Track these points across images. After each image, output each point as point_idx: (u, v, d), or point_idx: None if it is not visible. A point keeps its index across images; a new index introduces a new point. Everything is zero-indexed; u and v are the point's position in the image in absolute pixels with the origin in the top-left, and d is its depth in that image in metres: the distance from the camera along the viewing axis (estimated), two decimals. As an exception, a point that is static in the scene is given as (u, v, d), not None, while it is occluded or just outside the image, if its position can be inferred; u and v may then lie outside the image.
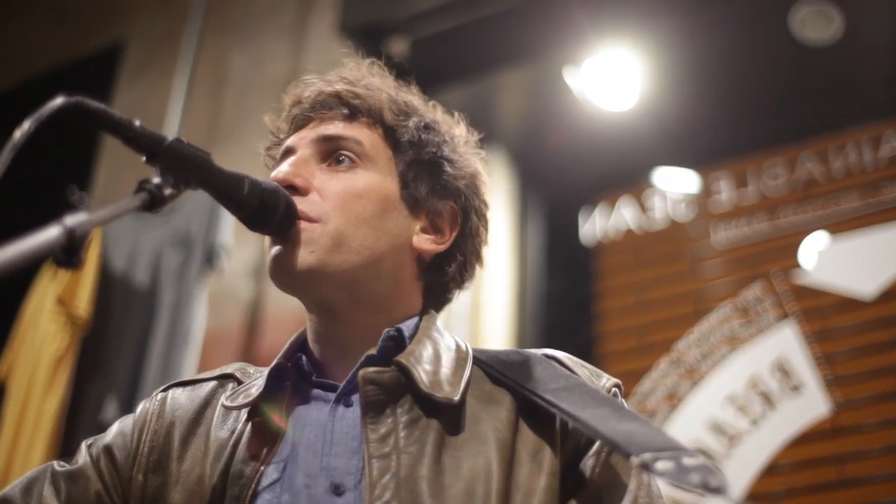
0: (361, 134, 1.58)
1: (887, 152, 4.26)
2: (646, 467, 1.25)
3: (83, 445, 1.60)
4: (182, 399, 1.60)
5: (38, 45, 6.11)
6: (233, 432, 1.49)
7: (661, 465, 1.24)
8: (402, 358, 1.46)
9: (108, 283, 4.16)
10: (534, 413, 1.47)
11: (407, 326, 1.55)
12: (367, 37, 4.32)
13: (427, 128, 1.63)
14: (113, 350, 4.06)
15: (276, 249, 1.50)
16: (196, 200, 4.10)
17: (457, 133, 1.69)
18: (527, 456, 1.42)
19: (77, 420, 4.01)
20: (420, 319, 1.58)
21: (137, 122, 1.32)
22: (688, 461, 1.23)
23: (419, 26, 4.36)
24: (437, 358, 1.50)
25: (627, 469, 1.44)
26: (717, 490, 1.19)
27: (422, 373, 1.45)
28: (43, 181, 4.42)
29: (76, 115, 1.25)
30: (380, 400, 1.43)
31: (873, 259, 4.08)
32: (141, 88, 5.39)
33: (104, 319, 4.10)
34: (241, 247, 4.22)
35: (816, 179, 4.35)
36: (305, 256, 1.48)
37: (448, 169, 1.62)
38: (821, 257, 4.19)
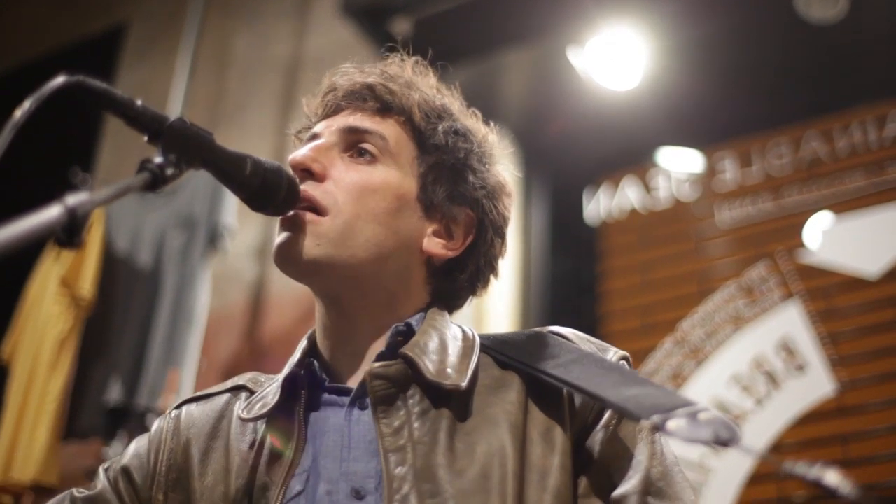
0: (388, 130, 1.57)
1: (892, 131, 4.25)
2: (657, 429, 1.26)
3: (100, 470, 1.60)
4: (196, 414, 1.60)
5: (41, 27, 6.11)
6: (252, 445, 1.49)
7: (671, 425, 1.24)
8: (407, 349, 1.46)
9: (111, 265, 4.16)
10: (543, 393, 1.47)
11: (416, 320, 1.54)
12: (370, 17, 4.31)
13: (457, 133, 1.61)
14: (116, 331, 4.07)
15: (282, 237, 1.49)
16: (199, 181, 4.10)
17: (488, 143, 1.67)
18: (538, 436, 1.42)
19: (81, 401, 4.02)
20: (427, 312, 1.57)
21: (139, 102, 1.31)
22: (697, 418, 1.24)
23: (422, 6, 4.35)
24: (443, 347, 1.50)
25: (638, 440, 1.44)
26: (730, 442, 1.19)
27: (428, 363, 1.45)
28: (47, 162, 4.43)
29: (78, 94, 1.24)
30: (389, 393, 1.43)
31: (878, 238, 4.07)
32: (144, 70, 5.39)
33: (108, 301, 4.11)
34: (244, 227, 4.22)
35: (821, 159, 4.34)
36: (311, 248, 1.47)
37: (470, 177, 1.61)
38: (825, 237, 4.19)
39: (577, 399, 1.46)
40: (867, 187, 4.18)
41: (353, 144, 1.56)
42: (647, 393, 1.34)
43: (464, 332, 1.58)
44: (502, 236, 1.68)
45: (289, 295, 4.03)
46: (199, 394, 1.66)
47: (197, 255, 4.06)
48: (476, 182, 1.61)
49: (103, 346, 4.06)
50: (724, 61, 4.50)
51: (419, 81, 1.65)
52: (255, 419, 1.51)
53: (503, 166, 1.70)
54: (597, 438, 1.44)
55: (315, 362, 1.53)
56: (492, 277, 1.68)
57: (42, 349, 4.01)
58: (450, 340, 1.53)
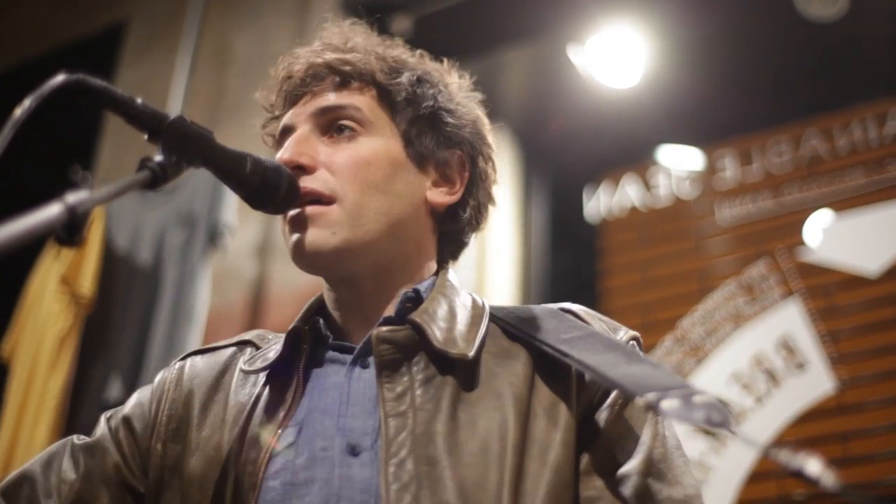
0: (357, 100, 1.57)
1: (892, 129, 4.25)
2: (651, 407, 1.27)
3: (102, 418, 1.61)
4: (200, 366, 1.60)
5: (40, 25, 6.10)
6: (250, 396, 1.49)
7: (666, 404, 1.25)
8: (415, 316, 1.46)
9: (111, 263, 4.16)
10: (550, 367, 1.47)
11: (424, 286, 1.55)
12: (370, 14, 4.29)
13: (420, 81, 1.61)
14: (117, 329, 4.06)
15: (295, 237, 1.49)
16: (199, 179, 4.09)
17: (450, 81, 1.67)
18: (542, 411, 1.42)
19: (81, 399, 4.01)
20: (436, 277, 1.59)
21: (139, 100, 1.31)
22: (692, 399, 1.24)
23: (422, 4, 4.35)
24: (452, 315, 1.51)
25: (642, 421, 1.44)
26: (721, 424, 1.21)
27: (436, 330, 1.45)
28: (47, 160, 4.42)
29: (78, 92, 1.24)
30: (394, 359, 1.43)
31: (878, 236, 4.07)
32: (144, 68, 5.38)
33: (108, 298, 4.10)
34: (244, 225, 4.22)
35: (821, 157, 4.34)
36: (328, 238, 1.48)
37: (449, 119, 1.61)
38: (826, 235, 4.19)
39: (586, 376, 1.46)
40: (867, 185, 4.18)
41: (330, 125, 1.56)
42: (646, 372, 1.35)
43: (473, 299, 1.59)
44: (493, 165, 1.69)
45: (289, 293, 4.03)
46: (204, 346, 1.66)
47: (197, 253, 4.05)
48: (456, 122, 1.62)
49: (103, 344, 4.06)
50: (725, 59, 4.50)
51: (366, 42, 1.65)
52: (256, 371, 1.52)
53: (471, 97, 1.69)
54: (602, 417, 1.44)
55: (321, 320, 1.54)
56: (490, 206, 1.70)
57: (42, 347, 4.01)
58: (459, 308, 1.53)
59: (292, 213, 1.50)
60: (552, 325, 1.52)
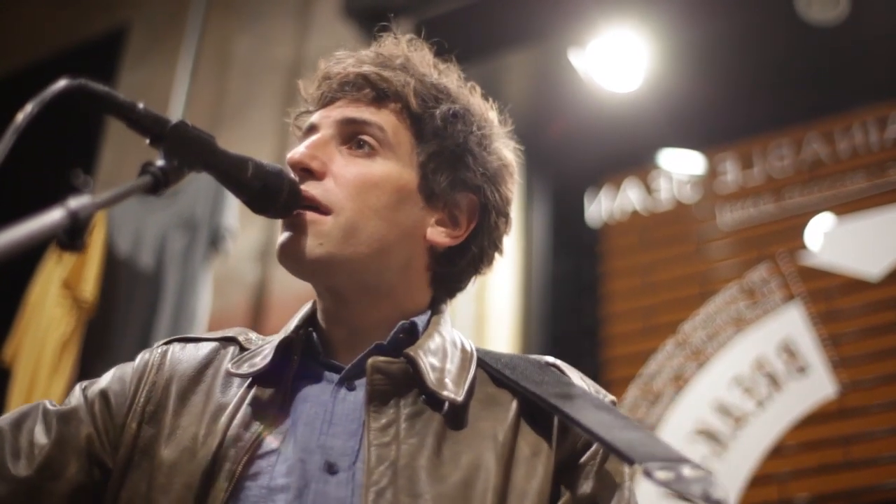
0: (385, 120, 1.56)
1: (893, 133, 4.25)
2: (647, 475, 1.26)
3: (77, 388, 1.59)
4: (183, 355, 1.59)
5: (42, 28, 6.11)
6: (235, 397, 1.49)
7: (662, 475, 1.25)
8: (411, 351, 1.46)
9: (113, 267, 4.16)
10: (534, 416, 1.48)
11: (420, 320, 1.54)
12: (372, 18, 4.31)
13: (455, 116, 1.59)
14: (118, 333, 4.07)
15: (284, 236, 1.49)
16: (201, 183, 4.09)
17: (488, 122, 1.65)
18: (524, 458, 1.43)
19: (83, 403, 4.01)
20: (431, 314, 1.57)
21: (141, 105, 1.31)
22: (689, 472, 1.26)
23: (424, 8, 4.35)
24: (444, 355, 1.51)
25: (615, 482, 1.45)
26: (719, 502, 1.22)
27: (430, 368, 1.46)
28: (48, 165, 4.43)
29: (80, 97, 1.24)
30: (385, 390, 1.44)
31: (879, 240, 4.07)
32: (145, 71, 5.39)
33: (109, 303, 4.10)
34: (246, 229, 4.22)
35: (822, 160, 4.34)
36: (314, 248, 1.47)
37: (471, 162, 1.59)
38: (827, 238, 4.19)
39: (567, 427, 1.47)
40: (868, 189, 4.18)
41: (352, 136, 1.55)
42: (640, 439, 1.36)
43: (462, 342, 1.58)
44: (506, 216, 1.66)
45: (290, 297, 4.03)
46: (188, 335, 1.65)
47: (198, 257, 4.06)
48: (477, 166, 1.60)
49: (105, 348, 4.06)
50: (726, 63, 4.51)
51: (416, 62, 1.63)
52: (243, 376, 1.51)
53: (504, 143, 1.68)
54: (580, 470, 1.46)
55: (313, 333, 1.54)
56: (496, 255, 1.67)
57: (44, 352, 4.01)
58: (450, 349, 1.53)
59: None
60: (539, 377, 1.52)
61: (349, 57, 1.63)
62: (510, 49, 4.51)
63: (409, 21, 4.35)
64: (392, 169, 1.54)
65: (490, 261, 1.67)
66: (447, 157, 1.58)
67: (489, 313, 4.40)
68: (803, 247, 4.20)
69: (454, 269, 1.62)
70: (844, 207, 4.20)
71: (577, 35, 4.38)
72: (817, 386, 3.93)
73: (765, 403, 4.00)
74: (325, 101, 1.61)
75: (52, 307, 4.08)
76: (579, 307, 4.69)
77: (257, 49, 5.05)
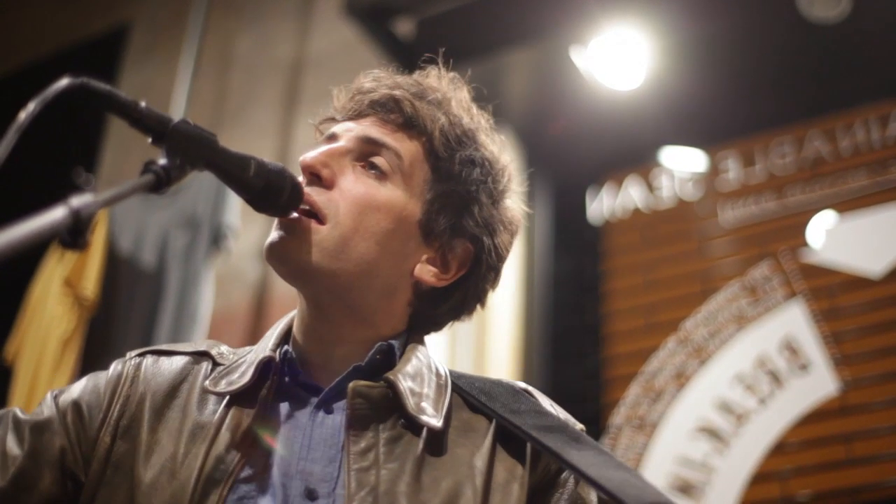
0: (405, 148, 1.56)
1: (895, 131, 4.25)
2: None
3: (49, 395, 1.57)
4: (157, 369, 1.58)
5: (43, 28, 6.12)
6: (213, 417, 1.47)
7: None
8: (391, 375, 1.47)
9: (115, 265, 4.16)
10: (508, 443, 1.50)
11: (398, 344, 1.55)
12: (373, 18, 4.31)
13: (473, 164, 1.59)
14: (120, 331, 4.07)
15: (275, 235, 1.50)
16: (202, 181, 4.10)
17: (504, 177, 1.65)
18: (500, 485, 1.45)
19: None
20: (408, 337, 1.58)
21: (143, 104, 1.32)
22: None
23: (425, 7, 4.35)
24: (421, 381, 1.51)
25: None
26: None
27: (409, 394, 1.46)
28: (50, 163, 4.43)
29: (82, 96, 1.25)
30: (365, 414, 1.44)
31: (881, 238, 4.07)
32: (147, 71, 5.39)
33: (111, 301, 4.11)
34: (247, 228, 4.22)
35: (824, 158, 4.34)
36: (302, 254, 1.48)
37: (476, 211, 1.59)
38: (829, 236, 4.18)
39: (540, 453, 1.48)
40: (870, 186, 4.18)
41: (367, 155, 1.55)
42: (629, 480, 1.36)
43: (437, 368, 1.58)
44: (497, 271, 1.66)
45: (292, 296, 4.02)
46: (161, 347, 1.64)
47: (200, 256, 4.06)
48: (481, 217, 1.60)
49: (107, 346, 4.06)
50: (727, 61, 4.50)
51: (451, 100, 1.63)
52: (220, 394, 1.50)
53: (516, 202, 1.68)
54: (553, 493, 1.49)
55: (292, 353, 1.53)
56: (477, 307, 1.67)
57: (46, 350, 4.01)
58: (426, 373, 1.54)
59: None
60: (516, 405, 1.53)
61: (388, 78, 1.63)
62: (511, 47, 4.50)
63: (411, 20, 4.35)
64: (399, 197, 1.54)
65: (471, 311, 1.67)
66: (454, 200, 1.58)
67: (490, 312, 4.39)
68: (805, 244, 4.20)
69: (434, 311, 1.62)
70: (846, 205, 4.20)
71: (579, 33, 4.38)
72: (819, 383, 3.93)
73: (766, 401, 4.00)
74: (353, 115, 1.61)
75: (53, 305, 4.09)
76: (581, 304, 4.68)
77: (258, 48, 5.05)
